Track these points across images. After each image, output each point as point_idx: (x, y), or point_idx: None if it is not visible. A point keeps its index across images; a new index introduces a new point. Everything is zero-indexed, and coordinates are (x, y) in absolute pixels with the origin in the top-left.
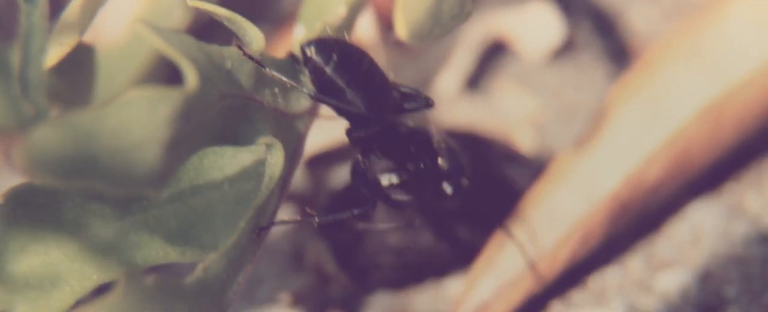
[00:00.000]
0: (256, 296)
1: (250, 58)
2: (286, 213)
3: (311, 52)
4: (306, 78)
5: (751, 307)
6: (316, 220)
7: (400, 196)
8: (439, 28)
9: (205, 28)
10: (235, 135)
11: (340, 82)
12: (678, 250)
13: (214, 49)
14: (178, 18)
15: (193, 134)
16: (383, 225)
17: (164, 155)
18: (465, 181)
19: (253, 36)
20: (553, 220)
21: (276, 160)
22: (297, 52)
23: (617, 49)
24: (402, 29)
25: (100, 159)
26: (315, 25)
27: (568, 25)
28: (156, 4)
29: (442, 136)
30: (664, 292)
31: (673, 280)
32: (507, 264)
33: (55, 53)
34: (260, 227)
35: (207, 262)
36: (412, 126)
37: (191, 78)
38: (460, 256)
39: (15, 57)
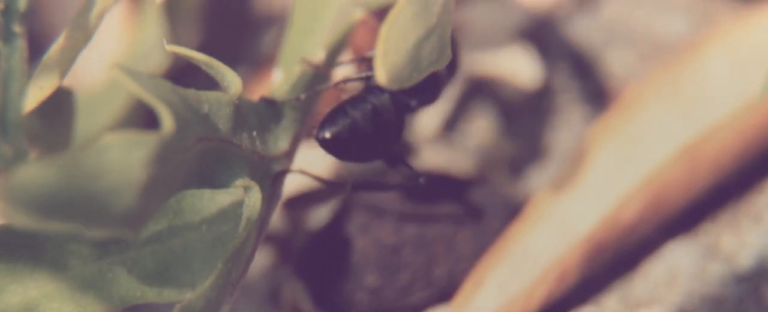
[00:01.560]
0: None
1: None
2: (263, 254)
3: (328, 147)
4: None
5: None
6: (350, 186)
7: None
8: (418, 73)
9: (185, 71)
10: (212, 177)
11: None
12: (654, 290)
13: (191, 93)
14: (157, 61)
15: (170, 177)
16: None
17: (142, 198)
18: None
19: (231, 80)
20: (529, 259)
21: (253, 202)
22: (276, 95)
23: (594, 91)
24: (382, 74)
25: (78, 202)
26: (293, 69)
27: (546, 67)
28: (134, 48)
29: None
30: None
31: None
32: (484, 303)
33: (34, 96)
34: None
35: (184, 303)
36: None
37: (167, 122)
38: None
39: None
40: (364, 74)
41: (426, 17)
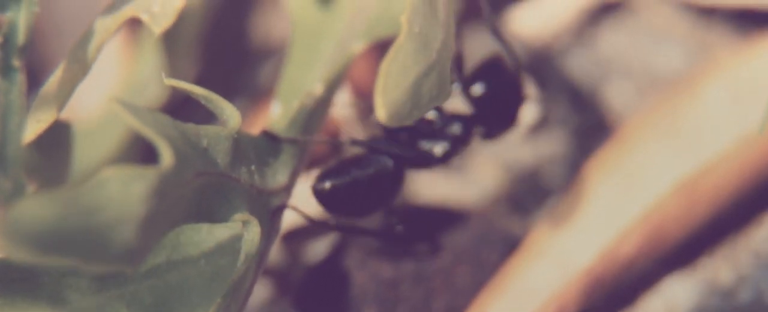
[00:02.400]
0: None
1: None
2: (262, 288)
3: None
4: (286, 154)
5: None
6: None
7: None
8: (419, 110)
9: (183, 102)
10: (211, 211)
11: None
12: None
13: (190, 127)
14: (155, 94)
15: (169, 211)
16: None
17: (140, 232)
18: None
19: (230, 114)
20: (528, 294)
21: (252, 237)
22: (274, 129)
23: (592, 125)
24: (382, 111)
25: (77, 236)
26: (292, 103)
27: (544, 100)
28: (132, 80)
29: None
30: None
31: None
32: None
33: (32, 129)
34: None
35: None
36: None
37: (167, 157)
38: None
39: None
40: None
41: (426, 53)
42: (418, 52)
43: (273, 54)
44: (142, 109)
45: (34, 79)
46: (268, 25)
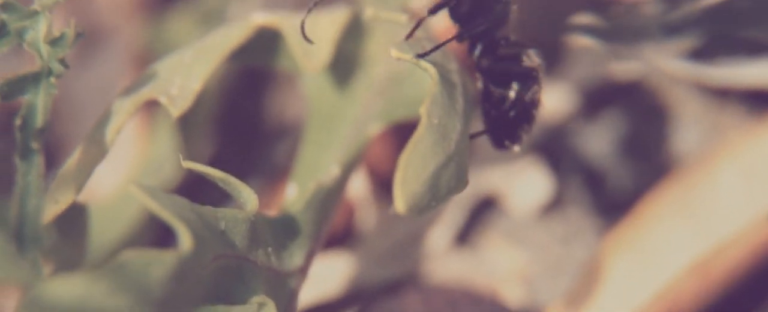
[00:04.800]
0: None
1: None
2: None
3: None
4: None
5: None
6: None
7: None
8: (437, 201)
9: (199, 181)
10: (228, 294)
11: None
12: None
13: (207, 210)
14: (171, 174)
15: (187, 294)
16: None
17: None
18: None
19: (247, 197)
20: None
21: None
22: (290, 211)
23: (606, 205)
24: (400, 203)
25: None
26: (307, 185)
27: (557, 180)
28: (148, 161)
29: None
30: None
31: None
32: None
33: (50, 211)
34: None
35: None
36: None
37: (185, 240)
38: None
39: (12, 212)
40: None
41: (444, 145)
42: (437, 143)
43: (288, 134)
44: (160, 192)
45: (51, 158)
46: (283, 105)
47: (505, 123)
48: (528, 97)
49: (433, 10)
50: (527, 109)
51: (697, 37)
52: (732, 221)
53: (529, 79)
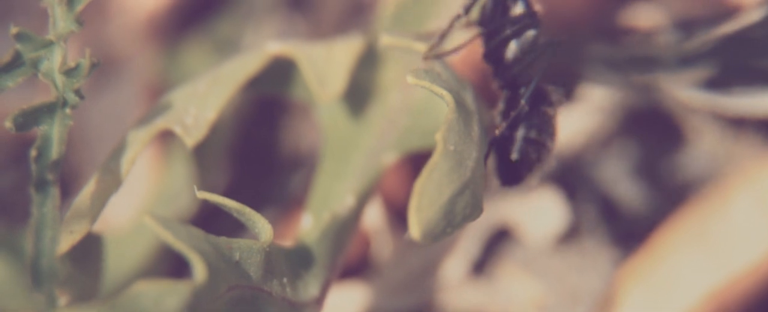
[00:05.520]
0: None
1: None
2: None
3: None
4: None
5: None
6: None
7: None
8: (452, 228)
9: (214, 211)
10: None
11: None
12: None
13: (222, 241)
14: (186, 204)
15: None
16: None
17: None
18: None
19: (262, 227)
20: None
21: None
22: (305, 241)
23: (622, 235)
24: (416, 229)
25: None
26: (323, 215)
27: (573, 210)
28: (163, 191)
29: None
30: None
31: None
32: None
33: (65, 242)
34: None
35: None
36: None
37: (200, 271)
38: None
39: (27, 243)
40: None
41: (460, 172)
42: (453, 170)
43: (303, 163)
44: (174, 222)
45: (65, 187)
46: (297, 135)
47: (509, 164)
48: (538, 137)
49: (467, 9)
50: (537, 151)
51: (712, 66)
52: (747, 251)
53: (544, 121)
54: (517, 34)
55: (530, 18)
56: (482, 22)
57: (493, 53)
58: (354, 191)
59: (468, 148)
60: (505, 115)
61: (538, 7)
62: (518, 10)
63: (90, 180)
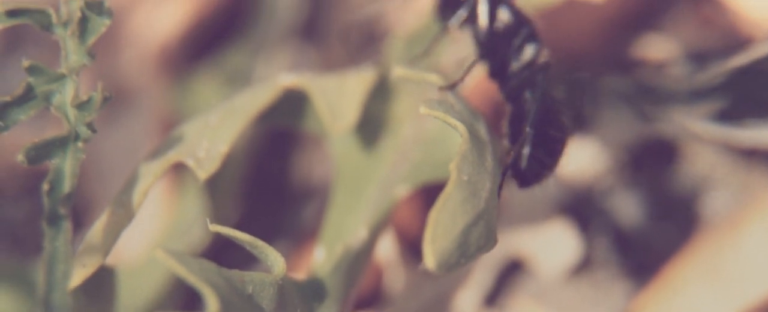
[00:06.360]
0: None
1: None
2: None
3: None
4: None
5: None
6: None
7: None
8: (466, 258)
9: (227, 244)
10: None
11: None
12: None
13: (235, 274)
14: (199, 237)
15: None
16: None
17: None
18: None
19: (275, 261)
20: None
21: None
22: (318, 274)
23: (635, 267)
24: (430, 259)
25: None
26: (336, 248)
27: (586, 242)
28: (175, 224)
29: None
30: None
31: None
32: None
33: (78, 275)
34: None
35: None
36: None
37: (213, 305)
38: None
39: (39, 277)
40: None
41: (474, 202)
42: (467, 201)
43: (315, 195)
44: (186, 256)
45: (77, 218)
46: (309, 167)
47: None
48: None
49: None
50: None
51: (724, 98)
52: (761, 282)
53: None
54: (513, 43)
55: (522, 25)
56: (480, 43)
57: (495, 68)
58: (367, 223)
59: (482, 179)
60: (512, 129)
61: (528, 16)
62: (504, 16)
63: (102, 213)
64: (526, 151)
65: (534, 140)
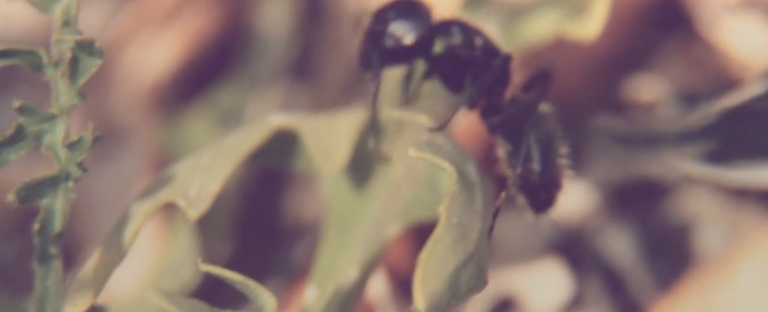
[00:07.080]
0: None
1: None
2: None
3: None
4: None
5: None
6: None
7: None
8: (457, 300)
9: (218, 282)
10: None
11: None
12: None
13: None
14: (189, 276)
15: None
16: None
17: None
18: None
19: (265, 300)
20: None
21: None
22: None
23: (625, 306)
24: (421, 301)
25: None
26: (327, 287)
27: (577, 281)
28: (166, 263)
29: None
30: None
31: None
32: None
33: None
34: None
35: None
36: None
37: None
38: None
39: None
40: None
41: (464, 244)
42: (457, 242)
43: (306, 234)
44: (178, 296)
45: (68, 257)
46: (300, 206)
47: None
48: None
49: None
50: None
51: (714, 139)
52: None
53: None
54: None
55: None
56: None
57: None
58: (358, 263)
59: (471, 220)
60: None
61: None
62: (479, 42)
63: (94, 252)
64: (536, 167)
65: (542, 155)
